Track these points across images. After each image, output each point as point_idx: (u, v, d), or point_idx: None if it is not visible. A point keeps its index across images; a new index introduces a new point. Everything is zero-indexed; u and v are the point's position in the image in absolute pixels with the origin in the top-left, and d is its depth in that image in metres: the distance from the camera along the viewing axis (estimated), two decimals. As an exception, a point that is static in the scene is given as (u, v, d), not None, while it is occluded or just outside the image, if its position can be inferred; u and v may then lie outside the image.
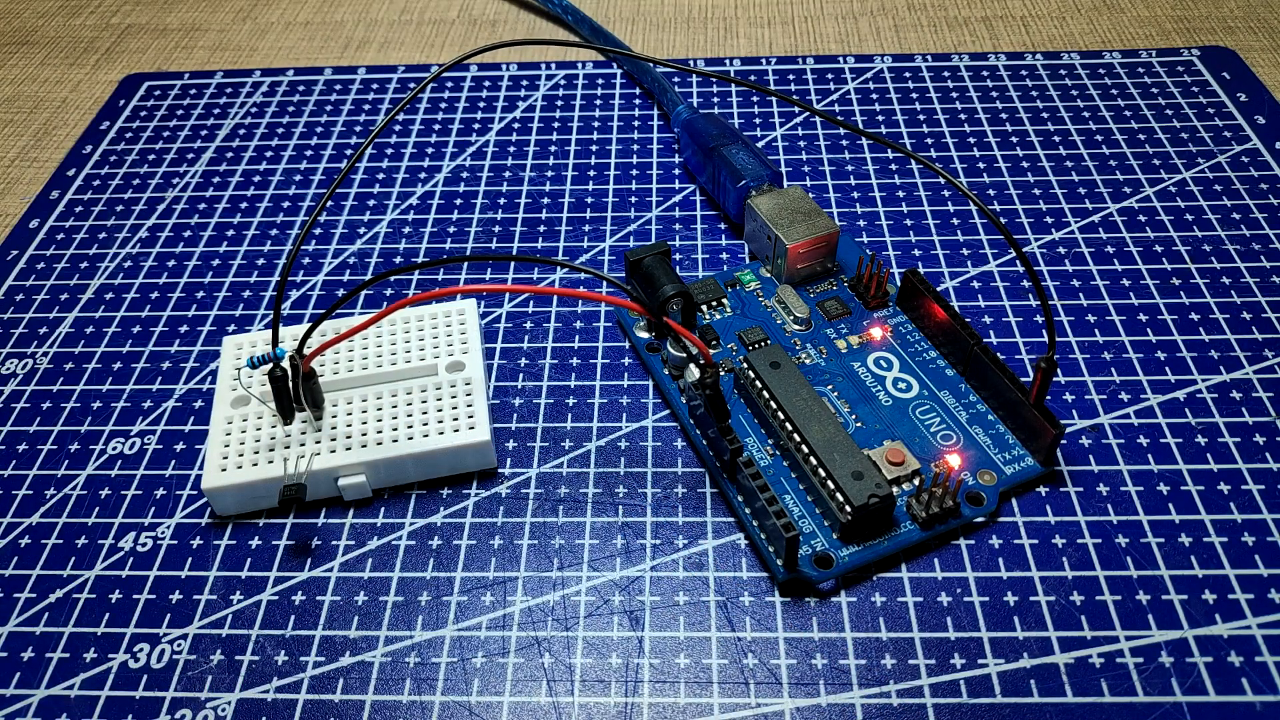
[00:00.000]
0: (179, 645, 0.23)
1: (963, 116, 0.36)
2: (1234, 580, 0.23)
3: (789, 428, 0.24)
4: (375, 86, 0.40)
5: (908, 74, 0.39)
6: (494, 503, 0.25)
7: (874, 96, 0.38)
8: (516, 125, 0.37)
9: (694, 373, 0.24)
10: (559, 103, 0.38)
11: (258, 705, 0.22)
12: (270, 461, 0.25)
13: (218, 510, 0.25)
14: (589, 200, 0.34)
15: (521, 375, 0.28)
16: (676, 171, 0.35)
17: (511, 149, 0.36)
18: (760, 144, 0.36)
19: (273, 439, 0.25)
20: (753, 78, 0.39)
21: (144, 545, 0.25)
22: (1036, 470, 0.25)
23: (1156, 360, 0.28)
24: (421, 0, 0.46)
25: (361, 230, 0.33)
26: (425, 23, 0.44)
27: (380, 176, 0.35)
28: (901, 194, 0.33)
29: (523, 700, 0.22)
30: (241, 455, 0.25)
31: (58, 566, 0.25)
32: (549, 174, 0.35)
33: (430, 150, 0.36)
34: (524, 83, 0.40)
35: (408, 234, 0.33)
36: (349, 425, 0.25)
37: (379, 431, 0.25)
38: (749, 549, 0.24)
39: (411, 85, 0.40)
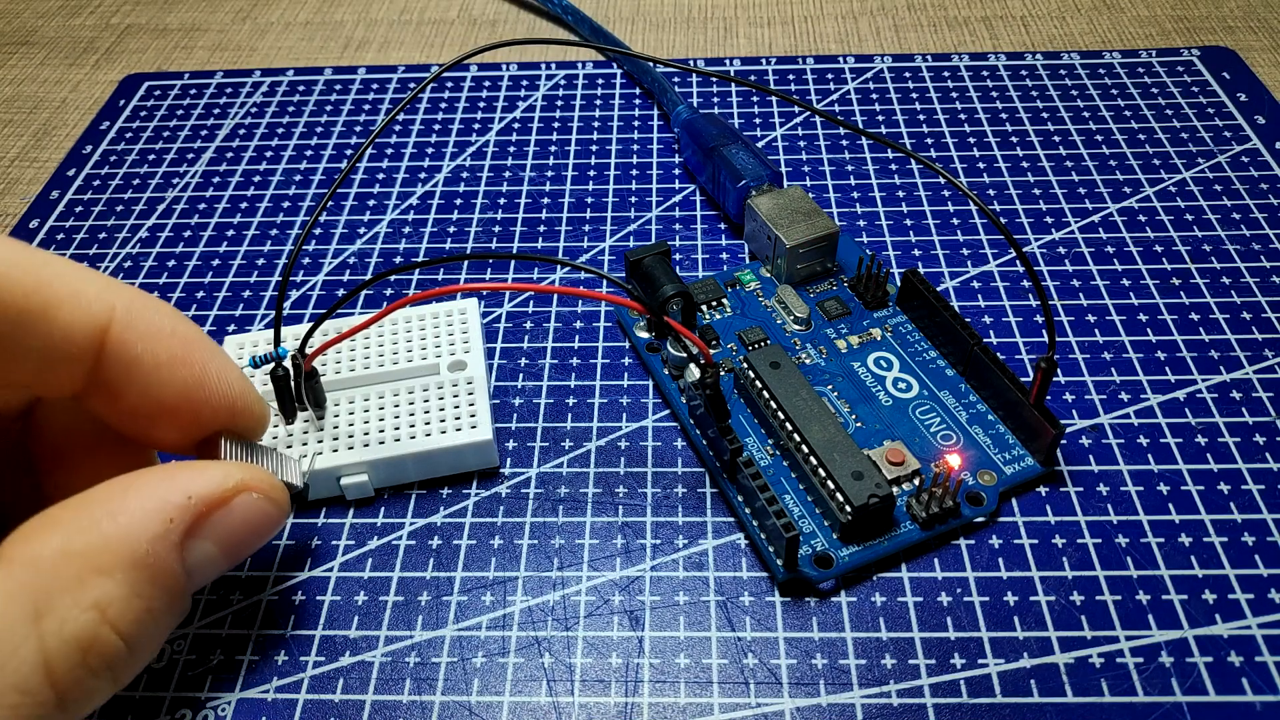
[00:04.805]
0: (179, 645, 0.23)
1: (963, 116, 0.37)
2: (1234, 580, 0.23)
3: (789, 428, 0.24)
4: (375, 86, 0.40)
5: (908, 74, 0.39)
6: (494, 503, 0.26)
7: (874, 96, 0.38)
8: (516, 125, 0.37)
9: (694, 373, 0.24)
10: (559, 103, 0.38)
11: (258, 705, 0.22)
12: (271, 461, 0.25)
13: (218, 510, 0.25)
14: (589, 200, 0.34)
15: (521, 375, 0.28)
16: (676, 171, 0.35)
17: (511, 149, 0.36)
18: (760, 144, 0.36)
19: (275, 439, 0.25)
20: (753, 78, 0.39)
21: (144, 545, 0.25)
22: (1036, 470, 0.25)
23: (1156, 360, 0.28)
24: (421, 0, 0.46)
25: (361, 230, 0.33)
26: (425, 23, 0.44)
27: (380, 176, 0.35)
28: (901, 194, 0.34)
29: (523, 700, 0.22)
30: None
31: (58, 566, 0.25)
32: (549, 174, 0.35)
33: (430, 150, 0.36)
34: (524, 83, 0.40)
35: (408, 234, 0.33)
36: (351, 425, 0.25)
37: (381, 431, 0.25)
38: (749, 549, 0.24)
39: (411, 85, 0.40)
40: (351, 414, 0.26)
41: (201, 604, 0.24)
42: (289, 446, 0.25)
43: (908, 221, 0.32)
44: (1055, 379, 0.27)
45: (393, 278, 0.32)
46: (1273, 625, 0.22)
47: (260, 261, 0.33)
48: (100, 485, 0.19)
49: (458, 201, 0.34)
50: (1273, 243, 0.31)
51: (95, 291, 0.20)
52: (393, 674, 0.22)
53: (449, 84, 0.40)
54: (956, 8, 0.43)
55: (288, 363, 0.24)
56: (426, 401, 0.26)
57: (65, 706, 0.17)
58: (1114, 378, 0.27)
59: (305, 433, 0.25)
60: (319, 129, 0.38)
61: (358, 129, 0.38)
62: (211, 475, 0.20)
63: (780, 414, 0.25)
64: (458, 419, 0.26)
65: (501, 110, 0.38)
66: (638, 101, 0.38)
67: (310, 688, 0.22)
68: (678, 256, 0.32)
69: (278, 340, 0.24)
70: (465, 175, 0.35)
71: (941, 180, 0.34)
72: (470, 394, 0.26)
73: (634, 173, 0.35)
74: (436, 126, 0.38)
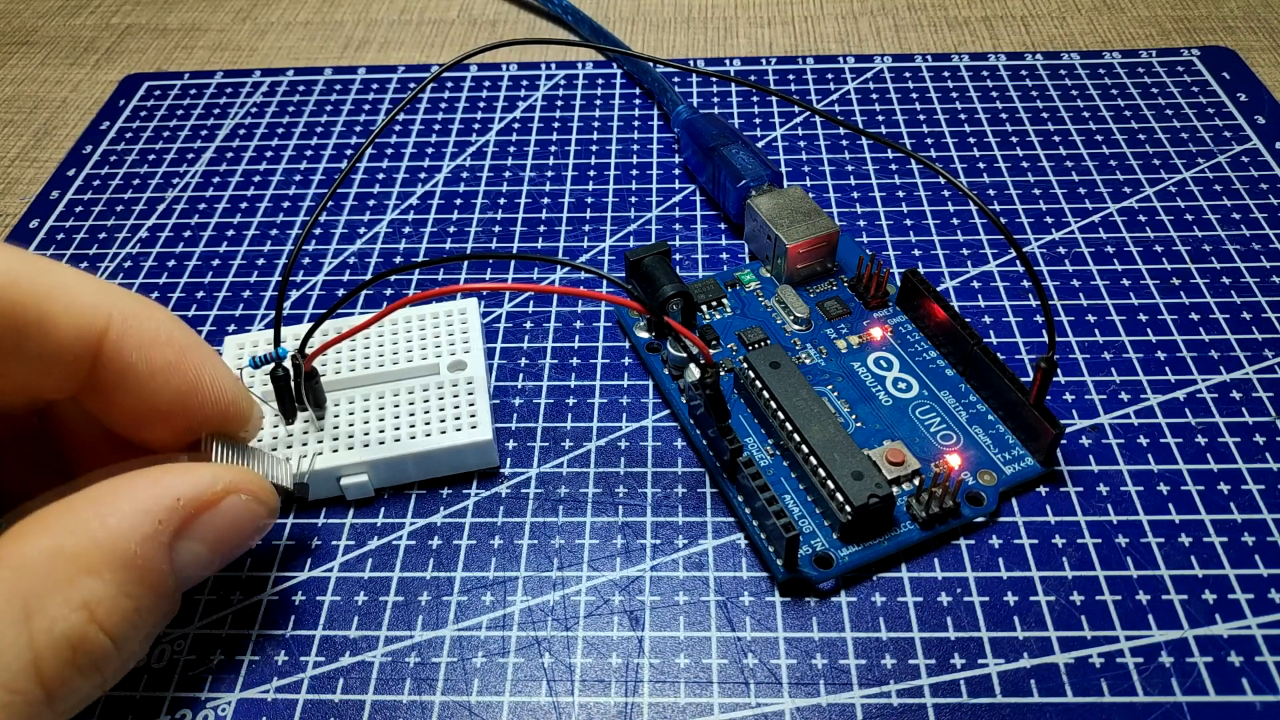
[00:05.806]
0: (179, 645, 0.23)
1: (963, 116, 0.37)
2: (1234, 580, 0.23)
3: (789, 428, 0.24)
4: (375, 86, 0.40)
5: (908, 74, 0.39)
6: (494, 503, 0.25)
7: (874, 96, 0.38)
8: (516, 125, 0.37)
9: (694, 373, 0.24)
10: (559, 103, 0.38)
11: (258, 705, 0.22)
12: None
13: (218, 510, 0.25)
14: (589, 200, 0.34)
15: (521, 375, 0.28)
16: (676, 171, 0.35)
17: (511, 149, 0.36)
18: (760, 144, 0.36)
19: (275, 439, 0.25)
20: (753, 78, 0.39)
21: (144, 545, 0.25)
22: (1036, 470, 0.25)
23: (1156, 360, 0.28)
24: (421, 0, 0.46)
25: (361, 230, 0.33)
26: (425, 23, 0.44)
27: (380, 176, 0.35)
28: (901, 194, 0.34)
29: (523, 700, 0.22)
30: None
31: (58, 566, 0.25)
32: (549, 174, 0.35)
33: (430, 150, 0.36)
34: (524, 83, 0.40)
35: (408, 234, 0.33)
36: (351, 425, 0.25)
37: (381, 431, 0.25)
38: (749, 549, 0.24)
39: (411, 85, 0.40)
40: (351, 414, 0.26)
41: (201, 604, 0.24)
42: (289, 446, 0.25)
43: (908, 221, 0.32)
44: (1055, 379, 0.27)
45: (393, 278, 0.32)
46: (1273, 625, 0.22)
47: (260, 261, 0.33)
48: (92, 486, 0.19)
49: (458, 201, 0.34)
50: (1273, 243, 0.31)
51: (91, 300, 0.20)
52: (393, 674, 0.22)
53: (449, 84, 0.40)
54: (956, 8, 0.43)
55: (288, 363, 0.24)
56: (426, 401, 0.26)
57: (54, 704, 0.17)
58: (1114, 378, 0.27)
59: (305, 433, 0.25)
60: (319, 129, 0.38)
61: (358, 129, 0.38)
62: (200, 477, 0.20)
63: (780, 414, 0.25)
64: (458, 419, 0.26)
65: (501, 110, 0.38)
66: (638, 101, 0.38)
67: (310, 688, 0.22)
68: (678, 256, 0.32)
69: (278, 340, 0.24)
70: (465, 175, 0.35)
71: (941, 180, 0.34)
72: (470, 394, 0.26)
73: (634, 173, 0.35)
74: (436, 126, 0.38)
